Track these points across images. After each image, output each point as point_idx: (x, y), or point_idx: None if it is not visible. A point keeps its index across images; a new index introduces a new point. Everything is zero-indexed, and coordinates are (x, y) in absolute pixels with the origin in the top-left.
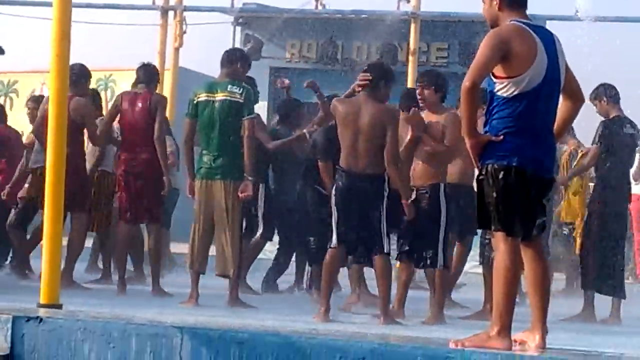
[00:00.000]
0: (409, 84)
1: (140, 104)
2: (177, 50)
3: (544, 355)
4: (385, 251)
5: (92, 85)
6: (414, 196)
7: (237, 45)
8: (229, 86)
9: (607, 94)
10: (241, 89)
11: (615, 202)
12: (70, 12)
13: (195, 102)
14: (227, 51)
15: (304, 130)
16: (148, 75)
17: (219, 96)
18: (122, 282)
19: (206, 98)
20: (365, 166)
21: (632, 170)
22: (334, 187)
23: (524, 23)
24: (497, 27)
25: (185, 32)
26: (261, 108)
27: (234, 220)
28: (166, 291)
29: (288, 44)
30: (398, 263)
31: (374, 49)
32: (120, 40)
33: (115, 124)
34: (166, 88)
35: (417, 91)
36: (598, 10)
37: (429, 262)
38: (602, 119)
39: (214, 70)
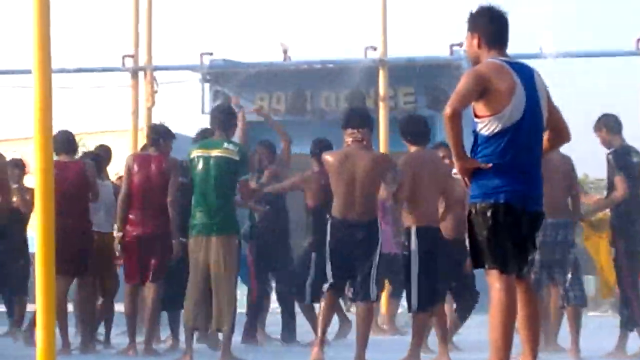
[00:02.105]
0: (381, 129)
1: (154, 167)
2: (149, 110)
3: None
4: (372, 299)
5: None
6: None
7: (207, 101)
8: (225, 144)
9: (607, 124)
10: (237, 147)
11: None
12: (50, 80)
13: (190, 157)
14: (221, 112)
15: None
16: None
17: (215, 152)
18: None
19: (201, 154)
20: (361, 213)
21: None
22: (329, 238)
23: (503, 60)
24: (477, 65)
25: (156, 92)
26: None
27: (230, 275)
28: (158, 351)
29: (257, 97)
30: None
31: (342, 97)
32: (89, 104)
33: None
34: (139, 148)
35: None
36: (561, 46)
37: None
38: (606, 150)
39: (187, 128)
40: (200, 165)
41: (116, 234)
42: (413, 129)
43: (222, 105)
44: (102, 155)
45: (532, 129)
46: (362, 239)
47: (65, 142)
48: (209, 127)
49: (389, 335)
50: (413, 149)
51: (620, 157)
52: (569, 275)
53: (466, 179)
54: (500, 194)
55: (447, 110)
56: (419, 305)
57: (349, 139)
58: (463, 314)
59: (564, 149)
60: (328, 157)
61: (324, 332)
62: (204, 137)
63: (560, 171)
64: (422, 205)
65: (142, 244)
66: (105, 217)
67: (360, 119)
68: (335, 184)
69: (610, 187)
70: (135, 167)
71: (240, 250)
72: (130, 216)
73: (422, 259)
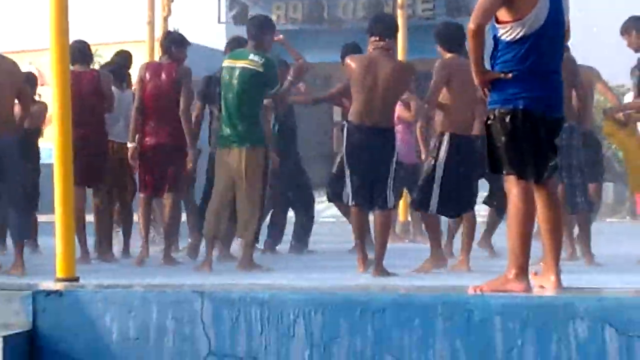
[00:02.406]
0: (400, 37)
1: (165, 76)
2: (165, 19)
3: (562, 295)
4: (389, 206)
5: None
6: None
7: (223, 10)
8: (251, 55)
9: (637, 27)
10: (262, 59)
11: None
12: None
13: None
14: (253, 23)
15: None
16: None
17: (240, 63)
18: (146, 249)
19: (227, 64)
20: (378, 120)
21: None
22: (345, 143)
23: None
24: None
25: (172, 1)
26: None
27: (251, 186)
28: (177, 260)
29: (273, 6)
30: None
31: (360, 5)
32: (104, 14)
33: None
34: (157, 58)
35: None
36: None
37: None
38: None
39: (203, 38)
40: (226, 77)
41: (130, 144)
42: (449, 35)
43: (257, 17)
44: (121, 63)
45: (554, 35)
46: (377, 144)
47: (79, 51)
48: (238, 35)
49: (407, 242)
50: (448, 55)
51: None
52: (576, 181)
53: (485, 89)
54: (519, 99)
55: (471, 25)
56: (438, 208)
57: (372, 47)
58: (500, 213)
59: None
60: (350, 62)
61: (361, 246)
62: (232, 47)
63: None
64: (456, 112)
65: (157, 154)
66: (124, 127)
67: (386, 27)
68: (355, 88)
69: None
70: (147, 76)
71: (267, 162)
72: (145, 126)
73: (448, 165)
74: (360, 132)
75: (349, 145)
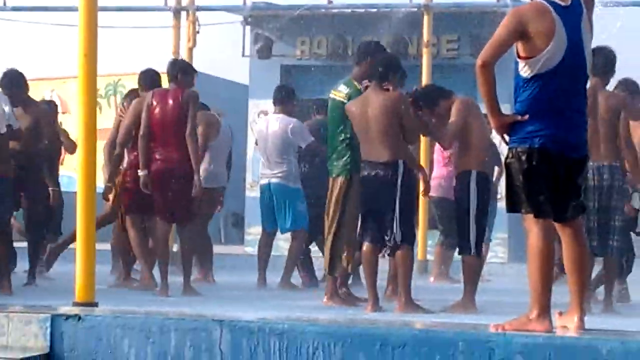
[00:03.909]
0: (424, 77)
1: (171, 101)
2: (190, 50)
3: (585, 336)
4: (398, 241)
5: (102, 90)
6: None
7: (247, 44)
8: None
9: None
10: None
11: None
12: (96, 16)
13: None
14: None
15: None
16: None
17: None
18: (166, 281)
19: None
20: (379, 154)
21: None
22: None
23: (547, 1)
24: (519, 6)
25: (198, 32)
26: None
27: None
28: (197, 291)
29: (298, 41)
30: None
31: (385, 43)
32: (128, 44)
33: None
34: None
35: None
36: None
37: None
38: None
39: (225, 71)
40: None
41: (141, 172)
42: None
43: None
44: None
45: (574, 72)
46: (381, 178)
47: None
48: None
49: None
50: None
51: None
52: (615, 223)
53: (505, 135)
54: (535, 138)
55: (478, 61)
56: (476, 248)
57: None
58: None
59: None
60: (349, 106)
61: (372, 289)
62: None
63: (605, 108)
64: (477, 150)
65: (166, 180)
66: None
67: (376, 70)
68: (357, 129)
69: None
70: (154, 103)
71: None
72: (154, 153)
73: (479, 204)
74: (365, 168)
75: (359, 183)
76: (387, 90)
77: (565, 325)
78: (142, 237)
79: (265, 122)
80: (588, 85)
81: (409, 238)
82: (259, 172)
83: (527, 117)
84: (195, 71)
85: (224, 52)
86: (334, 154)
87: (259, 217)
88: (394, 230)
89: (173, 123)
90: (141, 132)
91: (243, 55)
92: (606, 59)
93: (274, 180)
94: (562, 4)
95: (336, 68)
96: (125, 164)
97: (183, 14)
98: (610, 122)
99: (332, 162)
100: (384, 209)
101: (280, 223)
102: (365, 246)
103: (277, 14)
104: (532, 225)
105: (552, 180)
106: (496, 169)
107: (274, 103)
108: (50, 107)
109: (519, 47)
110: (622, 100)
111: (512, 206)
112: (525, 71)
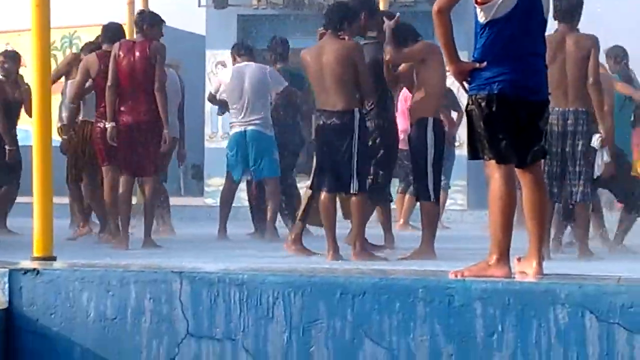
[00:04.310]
0: None
1: (138, 53)
2: (146, 1)
3: (544, 281)
4: (352, 191)
5: (57, 42)
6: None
7: None
8: None
9: None
10: None
11: None
12: None
13: None
14: None
15: None
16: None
17: None
18: (126, 233)
19: None
20: (334, 103)
21: None
22: (313, 131)
23: None
24: None
25: None
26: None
27: None
28: (157, 244)
29: None
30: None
31: None
32: None
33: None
34: None
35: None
36: None
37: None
38: None
39: (182, 22)
40: None
41: (108, 124)
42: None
43: None
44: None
45: (530, 16)
46: (335, 127)
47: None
48: None
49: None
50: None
51: None
52: (577, 169)
53: (464, 83)
54: (494, 84)
55: (435, 7)
56: (434, 194)
57: (318, 37)
58: None
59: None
60: (304, 54)
61: (332, 239)
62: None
63: (575, 50)
64: (433, 98)
65: (134, 133)
66: None
67: (333, 19)
68: (311, 78)
69: None
70: (121, 54)
71: None
72: (121, 105)
73: (436, 151)
74: (321, 117)
75: (315, 131)
76: (343, 39)
77: (524, 270)
78: (115, 193)
79: (236, 71)
80: (554, 31)
81: (364, 187)
82: (229, 121)
83: (485, 63)
84: (163, 22)
85: (179, 2)
86: None
87: (219, 168)
88: (352, 180)
89: (141, 75)
90: (109, 84)
91: (199, 5)
92: (569, 3)
93: (250, 127)
94: None
95: (293, 17)
96: (94, 117)
97: None
98: (579, 65)
99: None
100: (340, 158)
101: (255, 170)
102: (323, 195)
103: None
104: (494, 172)
105: (514, 125)
106: (455, 114)
107: (239, 54)
108: (13, 58)
109: None
110: (592, 42)
111: (474, 153)
112: (481, 17)
